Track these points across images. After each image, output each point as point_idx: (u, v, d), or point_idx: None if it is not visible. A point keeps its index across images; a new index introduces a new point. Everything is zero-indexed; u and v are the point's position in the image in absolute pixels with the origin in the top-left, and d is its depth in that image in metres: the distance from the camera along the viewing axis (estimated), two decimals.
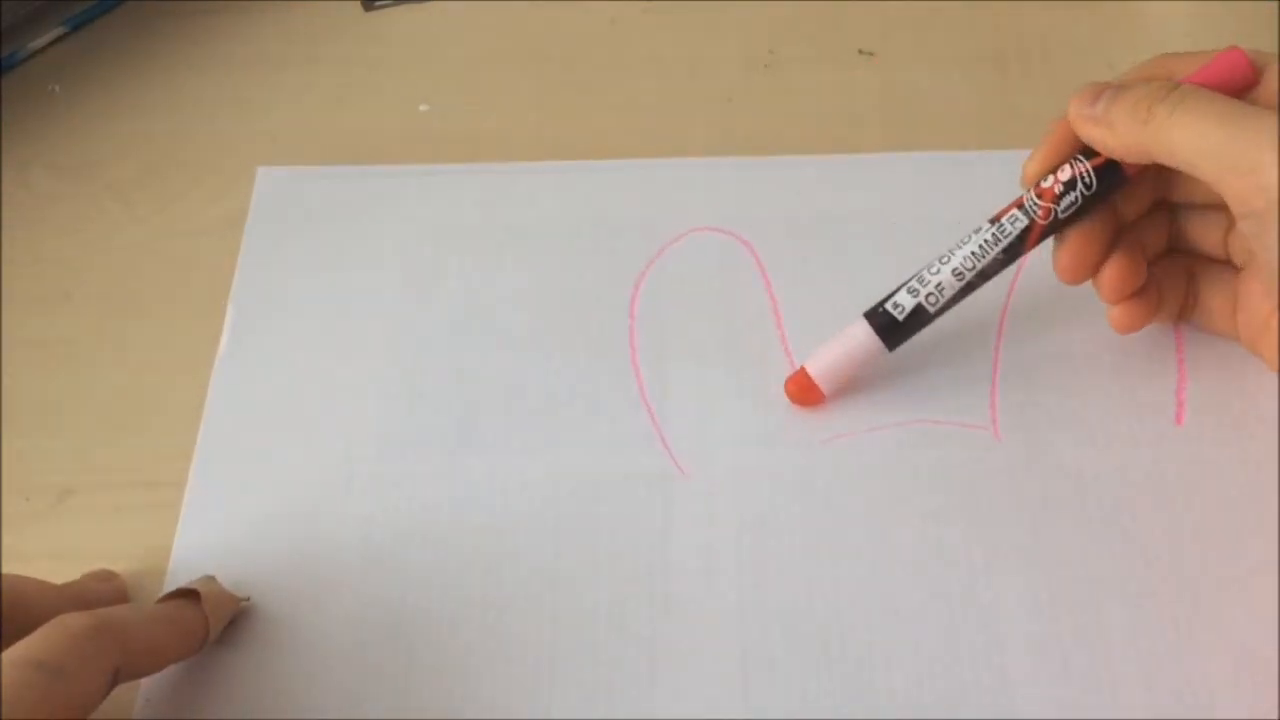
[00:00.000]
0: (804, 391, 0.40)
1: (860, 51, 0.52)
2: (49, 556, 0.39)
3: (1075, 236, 0.38)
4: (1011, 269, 0.40)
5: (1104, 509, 0.39)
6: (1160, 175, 0.38)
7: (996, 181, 0.44)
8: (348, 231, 0.46)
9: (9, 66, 0.52)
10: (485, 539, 0.39)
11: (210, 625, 0.35)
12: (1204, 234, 0.40)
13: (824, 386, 0.40)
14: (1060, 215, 0.37)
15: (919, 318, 0.39)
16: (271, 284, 0.45)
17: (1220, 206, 0.36)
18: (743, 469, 0.40)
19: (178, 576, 0.38)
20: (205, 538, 0.39)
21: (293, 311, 0.44)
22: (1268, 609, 0.37)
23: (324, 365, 0.43)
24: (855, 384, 0.41)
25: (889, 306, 0.39)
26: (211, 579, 0.37)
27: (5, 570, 0.37)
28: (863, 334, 0.40)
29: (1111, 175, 0.37)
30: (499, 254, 0.46)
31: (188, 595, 0.35)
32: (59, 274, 0.46)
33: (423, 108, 0.51)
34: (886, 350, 0.40)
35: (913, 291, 0.39)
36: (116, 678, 0.31)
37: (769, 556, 0.38)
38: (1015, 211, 0.38)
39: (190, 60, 0.53)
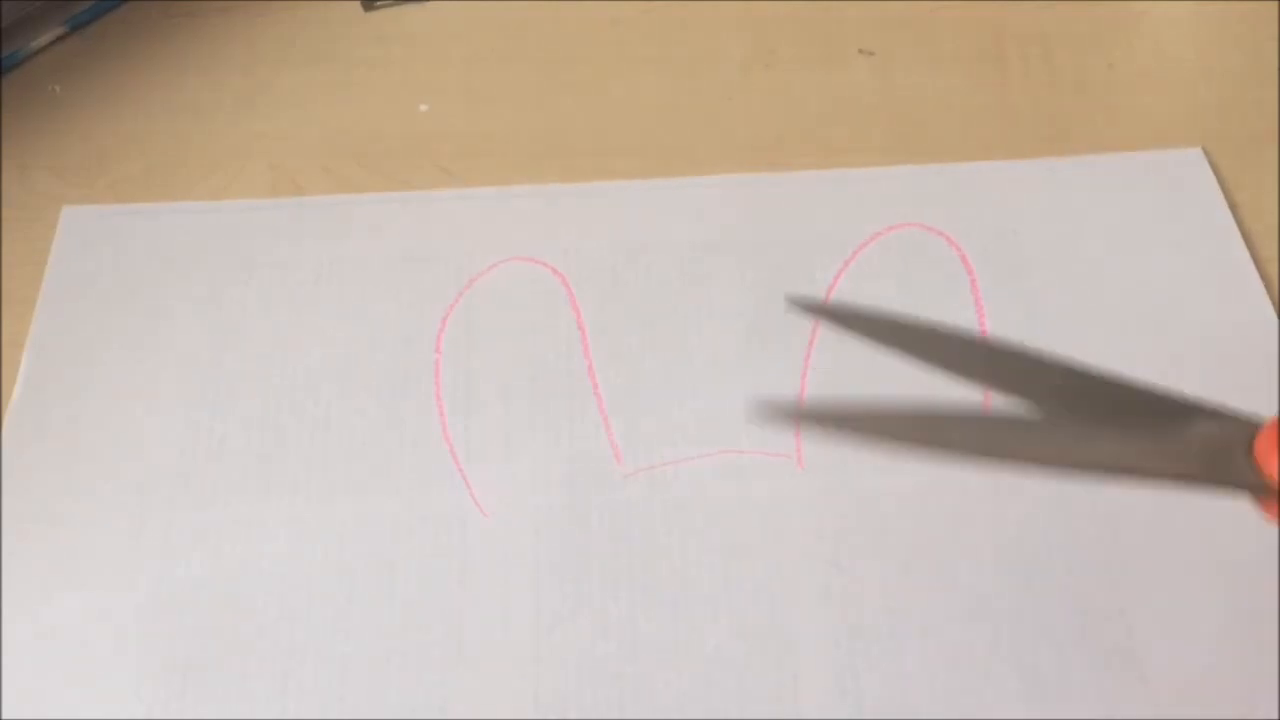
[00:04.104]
0: None
1: (860, 51, 0.52)
2: None
3: None
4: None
5: (903, 537, 0.38)
6: None
7: (813, 204, 0.45)
8: (153, 271, 0.45)
9: (9, 66, 0.52)
10: (279, 587, 0.38)
11: None
12: None
13: None
14: None
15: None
16: (71, 328, 0.43)
17: None
18: (544, 507, 0.39)
19: None
20: None
21: (92, 356, 0.43)
22: (1063, 631, 0.36)
23: (121, 412, 0.41)
24: (652, 414, 0.41)
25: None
26: None
27: None
28: None
29: None
30: (306, 290, 0.44)
31: None
32: None
33: (423, 108, 0.51)
34: None
35: None
36: None
37: (566, 598, 0.38)
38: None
39: (190, 60, 0.53)
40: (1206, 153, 0.47)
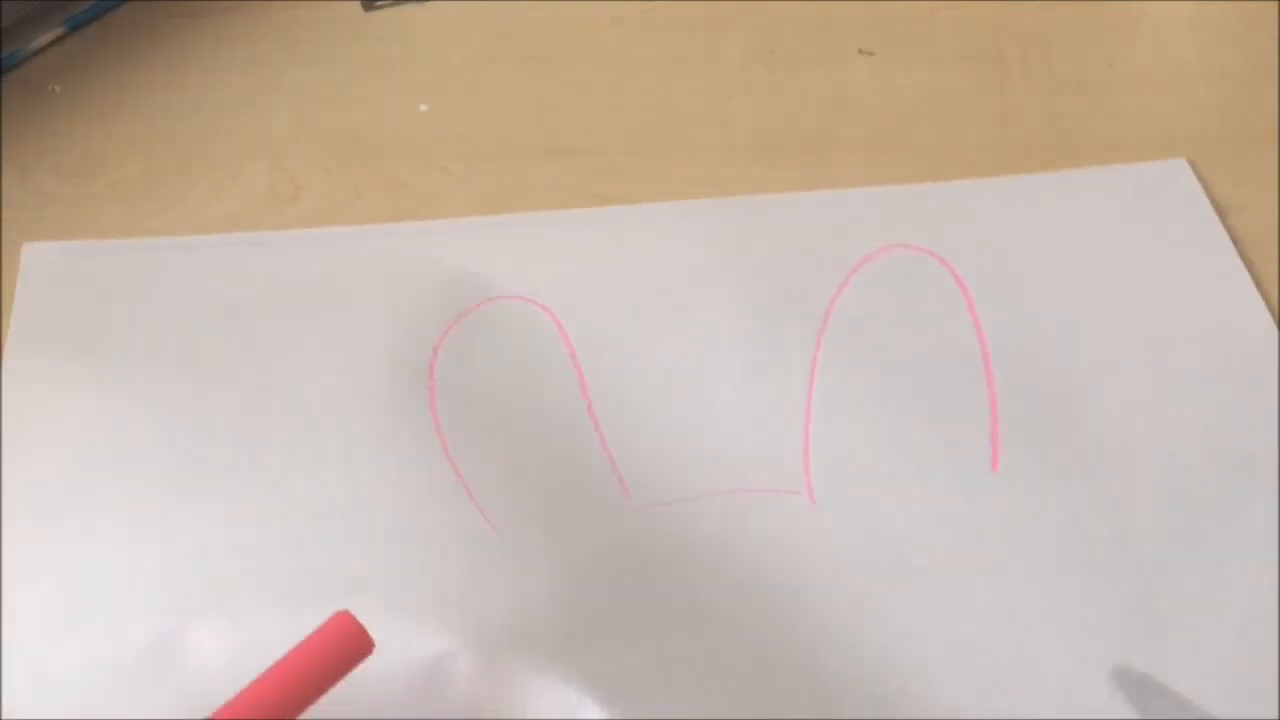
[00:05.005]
0: None
1: (860, 51, 0.52)
2: None
3: None
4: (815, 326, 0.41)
5: (923, 567, 0.37)
6: None
7: (805, 228, 0.45)
8: (126, 310, 0.43)
9: (9, 66, 0.52)
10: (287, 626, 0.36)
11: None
12: None
13: None
14: None
15: None
16: (40, 373, 0.41)
17: None
18: (554, 535, 0.37)
19: None
20: None
21: (63, 402, 0.40)
22: (1091, 669, 0.35)
23: (100, 460, 0.39)
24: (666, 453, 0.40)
25: None
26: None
27: None
28: None
29: None
30: (288, 324, 0.42)
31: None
32: None
33: (423, 108, 0.51)
34: None
35: None
36: None
37: (585, 639, 0.35)
38: None
39: (190, 60, 0.53)
40: (1192, 164, 0.47)
